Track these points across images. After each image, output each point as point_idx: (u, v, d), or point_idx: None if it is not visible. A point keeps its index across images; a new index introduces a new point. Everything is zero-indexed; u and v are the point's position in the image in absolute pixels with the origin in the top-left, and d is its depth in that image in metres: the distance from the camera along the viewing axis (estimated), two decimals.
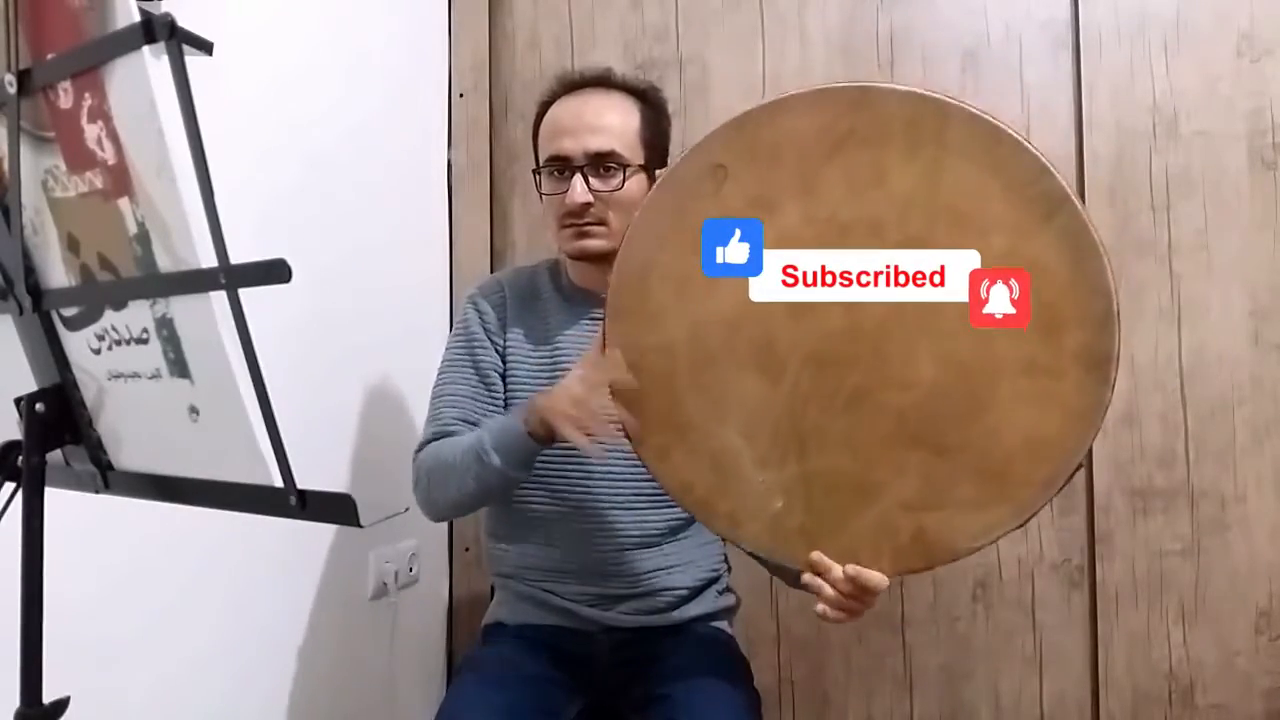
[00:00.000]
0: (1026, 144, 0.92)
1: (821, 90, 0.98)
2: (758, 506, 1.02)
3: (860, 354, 0.97)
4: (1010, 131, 0.93)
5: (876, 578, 0.97)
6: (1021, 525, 0.95)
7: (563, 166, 1.23)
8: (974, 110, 0.93)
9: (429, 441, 1.24)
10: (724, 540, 1.31)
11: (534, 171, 1.28)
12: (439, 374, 1.31)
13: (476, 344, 1.29)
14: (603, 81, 1.27)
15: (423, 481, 1.22)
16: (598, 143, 1.21)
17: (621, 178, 1.21)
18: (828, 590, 0.99)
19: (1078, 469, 0.94)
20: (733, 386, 1.01)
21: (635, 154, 1.23)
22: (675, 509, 1.26)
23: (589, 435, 1.04)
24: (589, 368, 1.07)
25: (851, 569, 0.97)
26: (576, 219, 1.22)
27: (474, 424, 1.24)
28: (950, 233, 0.94)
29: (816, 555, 0.99)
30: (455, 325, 1.35)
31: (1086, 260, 0.91)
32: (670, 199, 1.04)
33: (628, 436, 1.04)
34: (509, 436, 1.12)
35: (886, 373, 0.97)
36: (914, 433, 0.96)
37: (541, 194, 1.27)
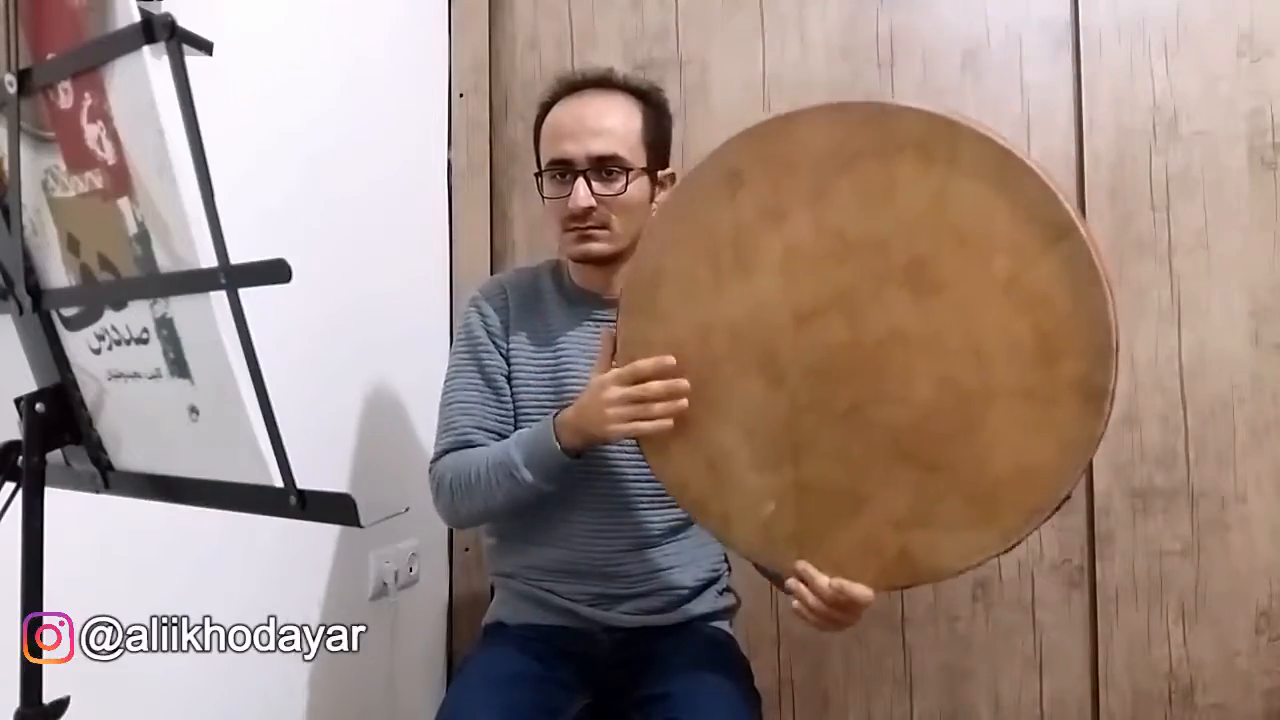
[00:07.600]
0: (1035, 168, 0.91)
1: (838, 105, 0.98)
2: (750, 509, 1.02)
3: (860, 369, 0.97)
4: (1019, 155, 0.91)
5: (861, 591, 0.97)
6: (1006, 551, 0.95)
7: (565, 170, 1.22)
8: (985, 132, 0.92)
9: (447, 451, 1.25)
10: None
11: (536, 174, 1.27)
12: (446, 381, 1.31)
13: (481, 348, 1.29)
14: (604, 82, 1.26)
15: (445, 493, 1.23)
16: (600, 146, 1.20)
17: (624, 181, 1.21)
18: (810, 599, 0.99)
19: (1064, 500, 0.92)
20: (734, 389, 1.01)
21: (637, 156, 1.23)
22: (676, 509, 1.27)
23: (650, 420, 1.04)
24: (609, 366, 1.08)
25: (837, 581, 0.98)
26: (579, 223, 1.22)
27: (487, 430, 1.25)
28: (954, 254, 0.93)
29: (802, 565, 1.00)
30: (458, 330, 1.35)
31: (1088, 290, 0.89)
32: (685, 202, 1.04)
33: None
34: (541, 453, 1.13)
35: (884, 389, 0.96)
36: (907, 449, 0.96)
37: (544, 197, 1.27)
